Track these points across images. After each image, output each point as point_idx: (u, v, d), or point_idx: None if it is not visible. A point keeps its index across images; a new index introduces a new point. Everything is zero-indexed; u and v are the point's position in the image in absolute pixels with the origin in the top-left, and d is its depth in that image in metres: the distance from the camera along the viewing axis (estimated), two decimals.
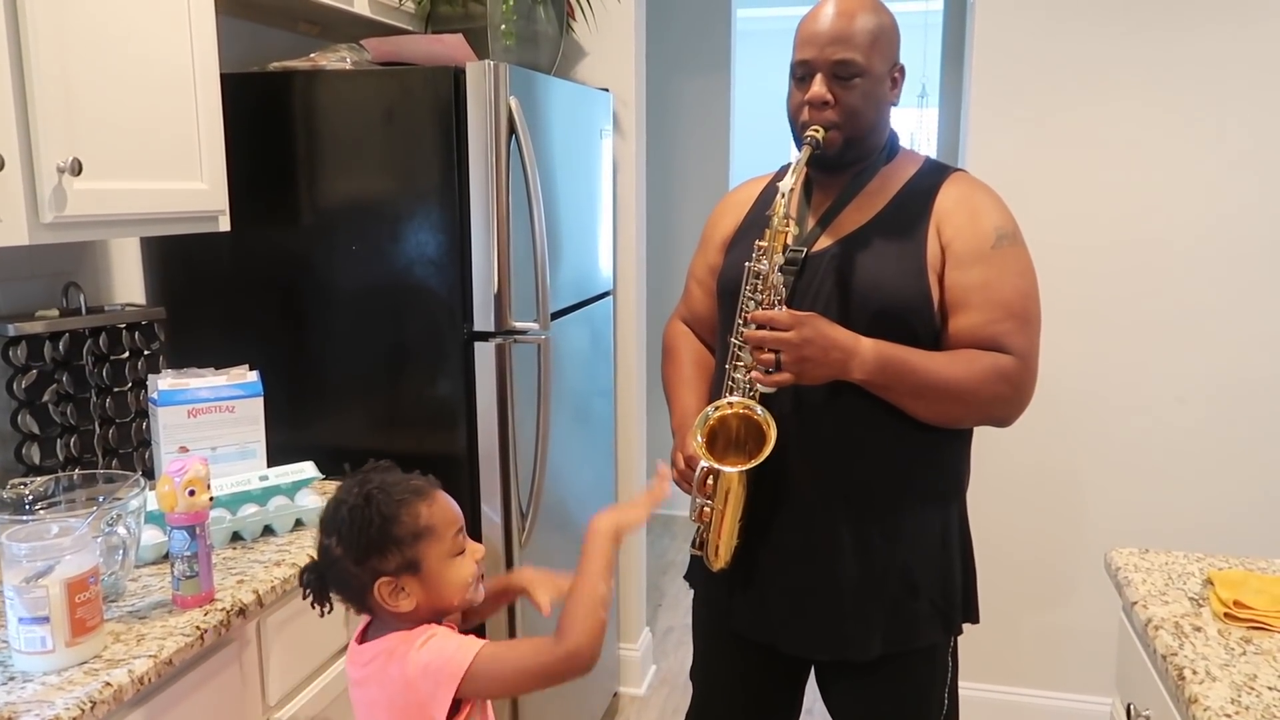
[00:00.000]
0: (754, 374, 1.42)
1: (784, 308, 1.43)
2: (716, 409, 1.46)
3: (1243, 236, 2.40)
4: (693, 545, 1.58)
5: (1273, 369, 2.43)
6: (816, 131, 1.44)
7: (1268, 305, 2.41)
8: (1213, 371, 2.46)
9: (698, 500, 1.50)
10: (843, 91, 1.45)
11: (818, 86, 1.45)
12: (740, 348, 1.45)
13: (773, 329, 1.38)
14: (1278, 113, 2.34)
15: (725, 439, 1.48)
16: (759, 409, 1.43)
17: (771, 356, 1.38)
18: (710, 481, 1.47)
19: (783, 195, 1.41)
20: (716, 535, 1.50)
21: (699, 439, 1.45)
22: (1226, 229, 2.41)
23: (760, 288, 1.44)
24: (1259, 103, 2.35)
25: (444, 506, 1.28)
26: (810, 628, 1.54)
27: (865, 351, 1.41)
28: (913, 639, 1.53)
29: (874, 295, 1.45)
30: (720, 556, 1.52)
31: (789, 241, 1.45)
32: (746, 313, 1.44)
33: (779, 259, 1.42)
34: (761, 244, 1.44)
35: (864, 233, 1.50)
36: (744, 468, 1.43)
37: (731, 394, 1.47)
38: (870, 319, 1.44)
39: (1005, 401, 1.48)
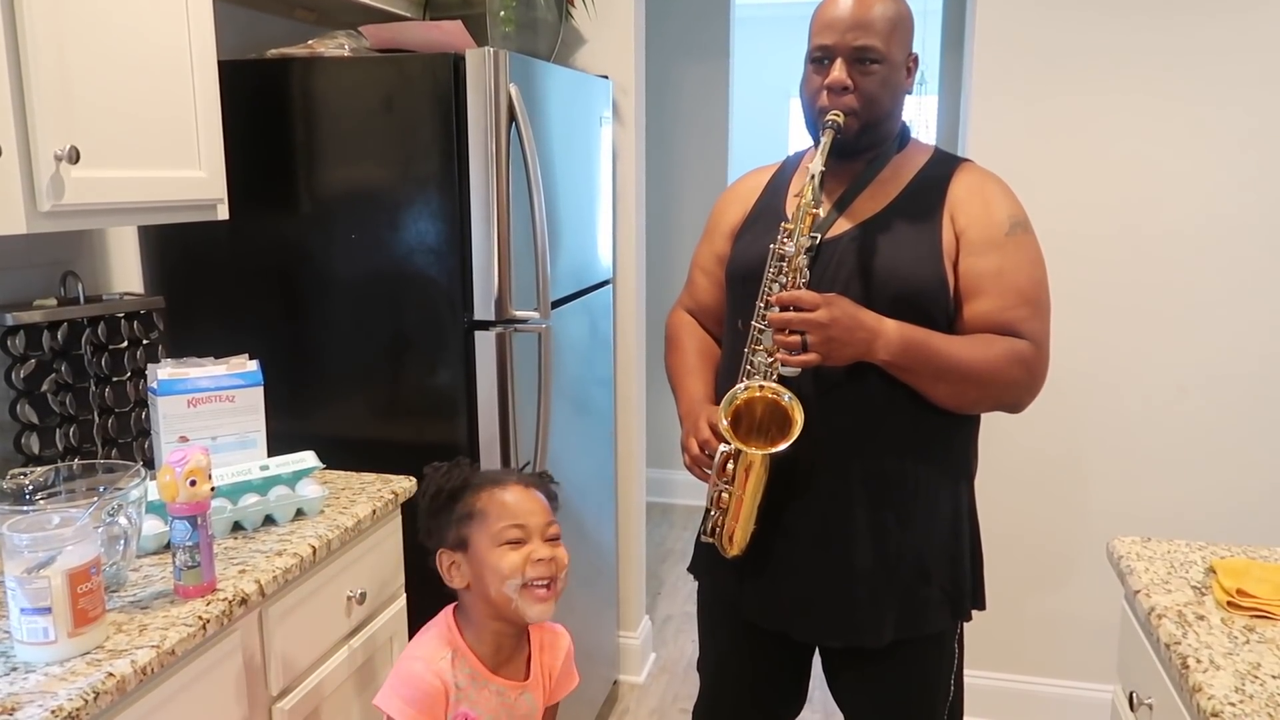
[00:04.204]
0: (779, 355, 1.41)
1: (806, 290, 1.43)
2: (747, 389, 1.45)
3: (1245, 223, 2.40)
4: (704, 534, 1.57)
5: (1275, 357, 2.43)
6: (838, 116, 1.44)
7: (1270, 292, 2.41)
8: (1215, 359, 2.46)
9: (716, 485, 1.49)
10: (862, 78, 1.45)
11: (838, 71, 1.44)
12: (761, 330, 1.45)
13: (798, 309, 1.38)
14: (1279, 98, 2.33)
15: (749, 423, 1.47)
16: (786, 393, 1.43)
17: (797, 338, 1.38)
18: (730, 466, 1.47)
19: (813, 177, 1.41)
20: (733, 520, 1.49)
21: (725, 421, 1.44)
22: (1228, 215, 2.40)
23: (784, 269, 1.43)
24: (1261, 89, 2.34)
25: (506, 499, 1.36)
26: (823, 614, 1.54)
27: (889, 332, 1.42)
28: (924, 625, 1.54)
29: (893, 280, 1.45)
30: (735, 543, 1.51)
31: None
32: (769, 295, 1.44)
33: (805, 241, 1.42)
34: (788, 225, 1.43)
35: (880, 219, 1.50)
36: (771, 450, 1.42)
37: (750, 377, 1.46)
38: (889, 303, 1.44)
39: (1021, 386, 1.50)
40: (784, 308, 1.39)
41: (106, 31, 1.44)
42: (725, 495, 1.49)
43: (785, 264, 1.43)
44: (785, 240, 1.44)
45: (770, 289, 1.45)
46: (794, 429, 1.41)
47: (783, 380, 1.44)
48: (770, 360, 1.44)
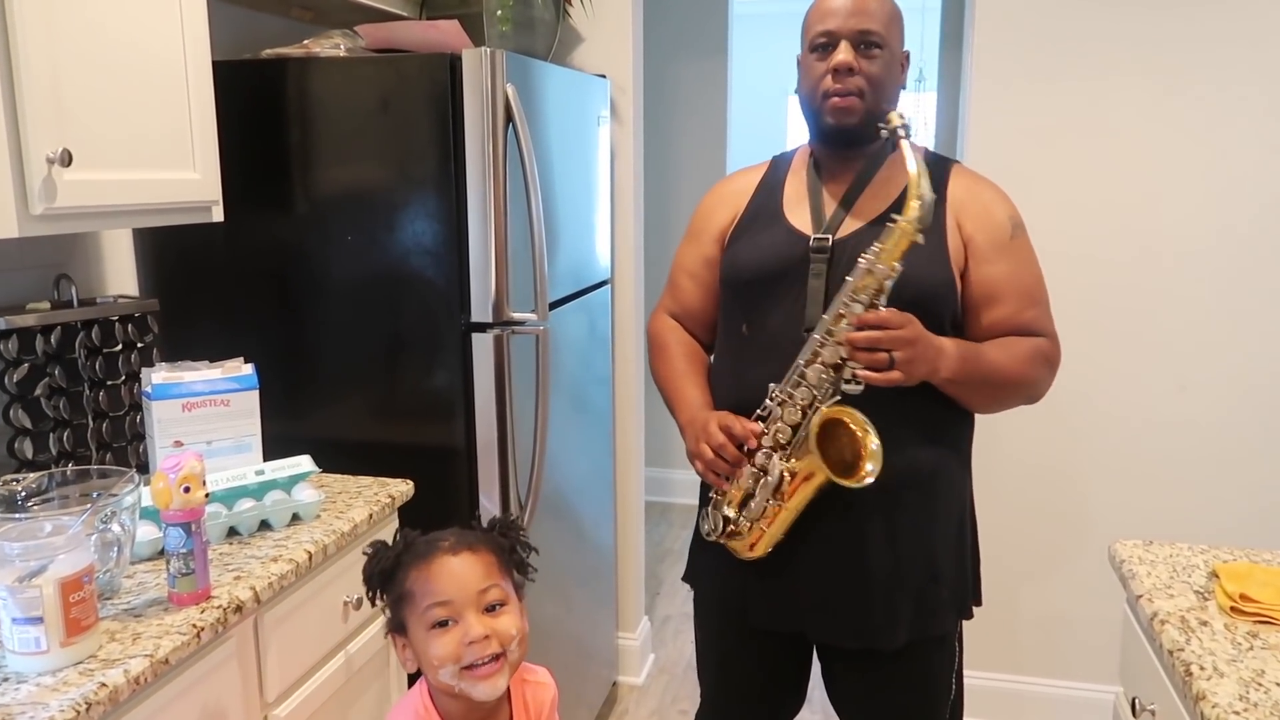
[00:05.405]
0: (862, 372, 1.38)
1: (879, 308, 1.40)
2: (846, 415, 1.41)
3: (1247, 225, 2.38)
4: (718, 534, 1.55)
5: (1274, 360, 2.42)
6: (902, 118, 1.41)
7: (1270, 295, 2.40)
8: (1215, 360, 2.45)
9: (758, 496, 1.48)
10: (866, 61, 1.46)
11: (843, 53, 1.45)
12: (822, 344, 1.42)
13: (883, 328, 1.36)
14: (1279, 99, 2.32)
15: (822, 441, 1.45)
16: (874, 438, 1.39)
17: (885, 356, 1.37)
18: (786, 479, 1.45)
19: (921, 199, 1.37)
20: (765, 526, 1.49)
21: (814, 447, 1.41)
22: (1230, 217, 2.39)
23: (866, 288, 1.41)
24: (1261, 89, 2.33)
25: (430, 575, 1.21)
26: (840, 616, 1.54)
27: (949, 348, 1.43)
28: (934, 627, 1.55)
29: (909, 283, 1.42)
30: (758, 548, 1.51)
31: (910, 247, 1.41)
32: (847, 313, 1.40)
33: (897, 265, 1.39)
34: (881, 245, 1.39)
35: (889, 218, 1.48)
36: (852, 483, 1.39)
37: (796, 388, 1.44)
38: (905, 306, 1.41)
39: (1044, 382, 1.55)
40: (862, 327, 1.37)
41: (99, 32, 1.43)
42: (766, 505, 1.47)
43: (870, 279, 1.39)
44: (878, 260, 1.39)
45: (849, 306, 1.40)
46: (864, 464, 1.38)
47: (846, 398, 1.42)
48: (832, 376, 1.41)
